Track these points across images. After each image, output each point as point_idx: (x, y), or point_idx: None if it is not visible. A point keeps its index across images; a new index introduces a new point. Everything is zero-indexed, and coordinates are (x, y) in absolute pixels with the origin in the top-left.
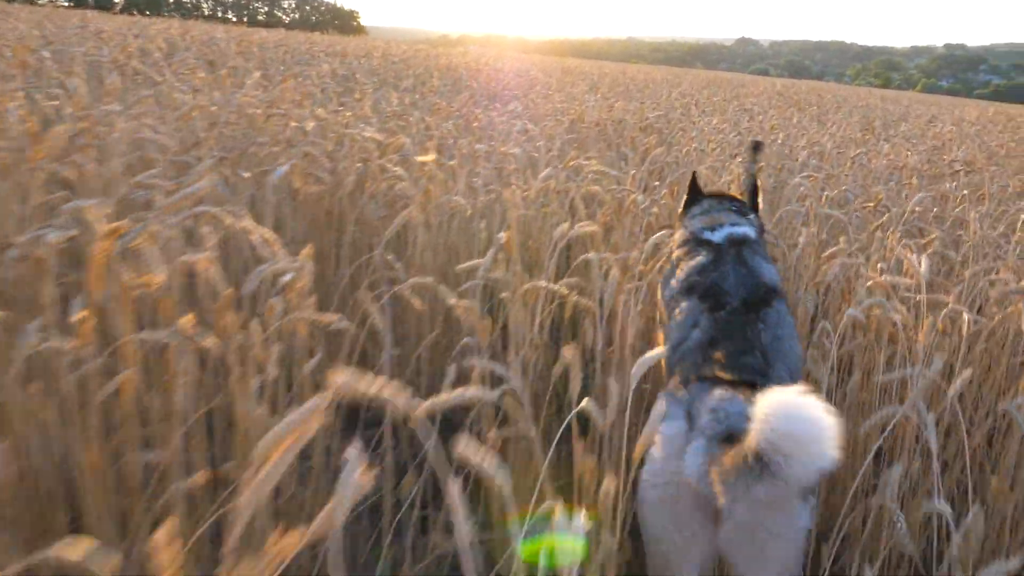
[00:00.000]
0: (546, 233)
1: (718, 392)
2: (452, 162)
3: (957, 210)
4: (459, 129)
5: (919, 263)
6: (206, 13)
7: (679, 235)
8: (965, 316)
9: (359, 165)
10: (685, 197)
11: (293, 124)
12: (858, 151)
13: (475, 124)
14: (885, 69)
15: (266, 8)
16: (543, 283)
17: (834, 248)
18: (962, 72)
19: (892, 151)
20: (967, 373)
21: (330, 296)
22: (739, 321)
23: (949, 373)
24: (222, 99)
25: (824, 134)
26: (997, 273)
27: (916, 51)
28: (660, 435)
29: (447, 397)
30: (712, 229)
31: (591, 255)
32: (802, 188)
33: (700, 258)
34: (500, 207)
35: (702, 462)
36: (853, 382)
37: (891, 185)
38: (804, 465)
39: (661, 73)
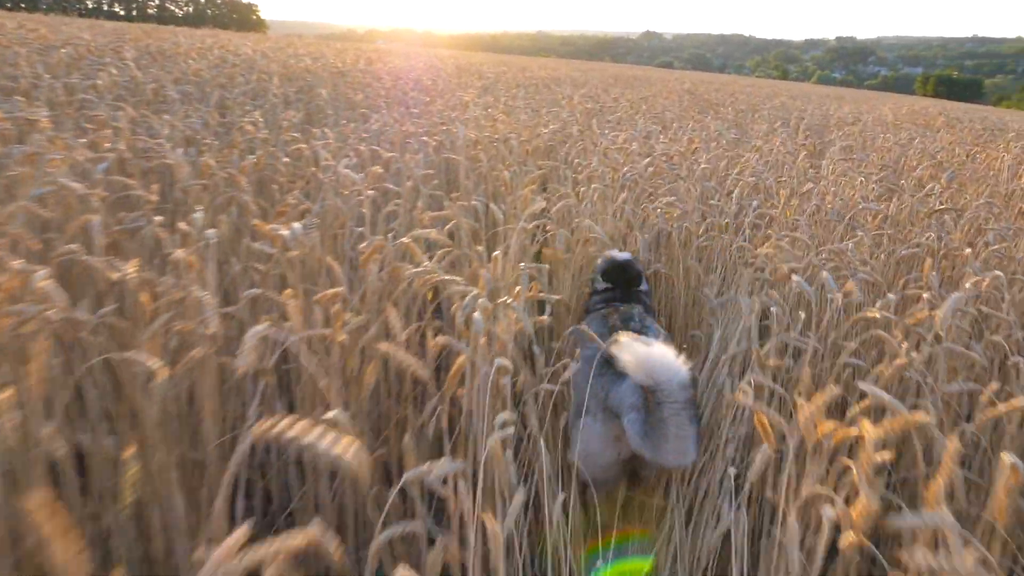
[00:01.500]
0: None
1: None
2: (183, 250)
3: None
4: (252, 174)
5: None
6: (90, 6)
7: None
8: None
9: None
10: (597, 285)
11: None
12: (806, 186)
13: (285, 159)
14: (783, 61)
15: (157, 1)
16: None
17: None
18: (853, 64)
19: (843, 175)
20: None
21: None
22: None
23: None
24: None
25: (752, 150)
26: None
27: (811, 44)
28: (586, 428)
29: None
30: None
31: None
32: (753, 257)
33: None
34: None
35: (637, 429)
36: None
37: (860, 236)
38: (673, 379)
39: (567, 69)
